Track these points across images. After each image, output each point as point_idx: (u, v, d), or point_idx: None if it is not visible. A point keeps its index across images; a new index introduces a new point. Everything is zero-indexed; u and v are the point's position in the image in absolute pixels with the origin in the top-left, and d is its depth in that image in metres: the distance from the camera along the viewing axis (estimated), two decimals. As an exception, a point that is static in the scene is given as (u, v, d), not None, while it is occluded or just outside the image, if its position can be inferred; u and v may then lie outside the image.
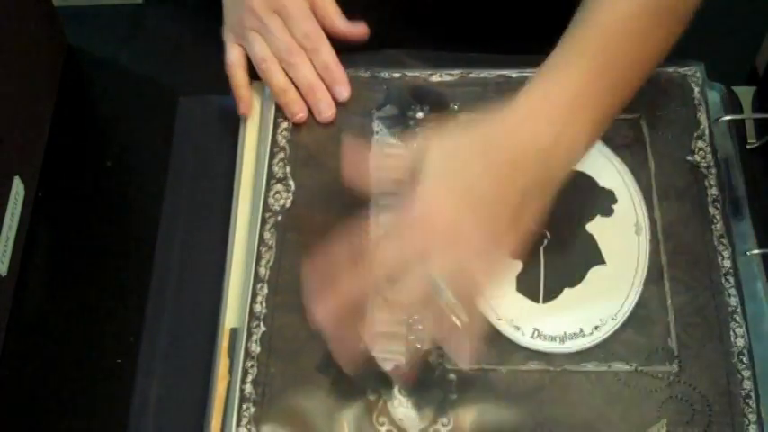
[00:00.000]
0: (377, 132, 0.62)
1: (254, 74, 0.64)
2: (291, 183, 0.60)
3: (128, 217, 0.64)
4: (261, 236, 0.58)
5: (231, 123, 0.64)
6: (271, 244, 0.58)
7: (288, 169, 0.61)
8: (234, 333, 0.56)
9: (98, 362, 0.58)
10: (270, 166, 0.61)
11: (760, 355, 0.55)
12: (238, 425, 0.52)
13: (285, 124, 0.63)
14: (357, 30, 0.64)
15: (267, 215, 0.59)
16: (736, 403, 0.53)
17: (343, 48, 0.64)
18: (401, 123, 0.62)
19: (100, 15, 0.74)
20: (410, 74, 0.65)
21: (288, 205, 0.60)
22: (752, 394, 0.53)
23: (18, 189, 0.61)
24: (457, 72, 0.64)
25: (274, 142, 0.62)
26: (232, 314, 0.57)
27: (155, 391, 0.56)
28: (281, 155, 0.61)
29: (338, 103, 0.63)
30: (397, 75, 0.65)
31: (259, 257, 0.57)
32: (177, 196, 0.63)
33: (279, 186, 0.60)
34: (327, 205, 0.59)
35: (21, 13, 0.63)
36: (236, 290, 0.57)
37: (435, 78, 0.64)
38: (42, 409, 0.57)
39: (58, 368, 0.58)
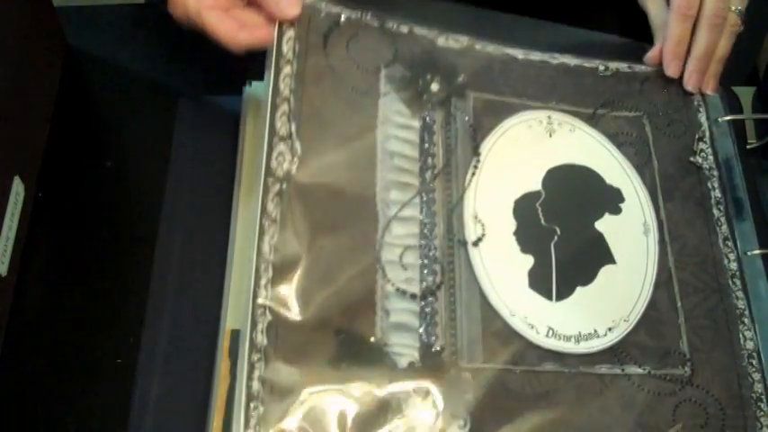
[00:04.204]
0: (384, 94, 0.58)
1: (251, 76, 0.64)
2: (297, 145, 0.54)
3: (128, 217, 0.64)
4: (263, 205, 0.52)
5: (231, 123, 0.64)
6: (275, 216, 0.53)
7: (293, 127, 0.55)
8: (235, 334, 0.55)
9: (98, 362, 0.58)
10: (272, 119, 0.54)
11: (769, 356, 0.55)
12: (246, 426, 0.49)
13: (288, 69, 0.56)
14: None
15: (270, 180, 0.53)
16: (748, 407, 0.53)
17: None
18: (411, 88, 0.59)
19: (100, 15, 0.74)
20: (418, 31, 0.61)
21: (293, 171, 0.54)
22: (763, 397, 0.53)
23: (18, 189, 0.61)
24: (464, 39, 0.62)
25: (276, 90, 0.55)
26: (233, 315, 0.56)
27: (155, 391, 0.56)
28: (285, 107, 0.55)
29: (348, 53, 0.58)
30: (405, 30, 0.60)
31: (262, 232, 0.52)
32: (177, 196, 0.63)
33: (282, 146, 0.54)
34: (336, 174, 0.55)
35: (21, 13, 0.63)
36: (238, 290, 0.57)
37: (441, 42, 0.61)
38: (42, 409, 0.56)
39: (58, 368, 0.58)
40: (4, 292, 0.59)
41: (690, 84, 0.63)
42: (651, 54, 0.65)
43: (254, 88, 0.64)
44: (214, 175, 0.63)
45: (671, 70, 0.63)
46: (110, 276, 0.61)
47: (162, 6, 0.60)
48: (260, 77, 0.63)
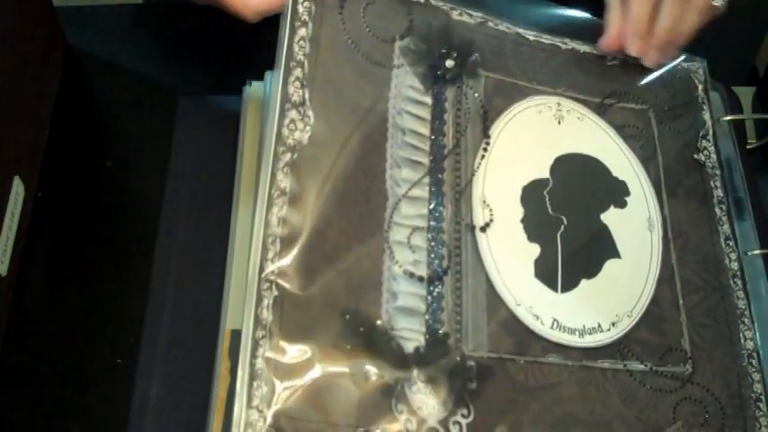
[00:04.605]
0: (398, 66, 0.57)
1: (251, 76, 0.64)
2: (310, 113, 0.52)
3: (128, 217, 0.64)
4: (273, 175, 0.50)
5: (231, 123, 0.64)
6: (284, 187, 0.50)
7: (306, 94, 0.52)
8: (235, 334, 0.55)
9: (98, 362, 0.58)
10: (285, 84, 0.52)
11: (768, 355, 0.55)
12: (249, 406, 0.46)
13: (302, 31, 0.54)
14: None
15: (281, 150, 0.51)
16: (747, 407, 0.53)
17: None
18: (425, 62, 0.57)
19: (100, 15, 0.74)
20: (434, 2, 0.59)
21: (305, 141, 0.52)
22: (762, 397, 0.53)
23: (18, 189, 0.61)
24: (478, 15, 0.61)
25: (290, 53, 0.53)
26: (233, 315, 0.56)
27: (155, 391, 0.56)
28: (298, 72, 0.53)
29: (364, 19, 0.57)
30: None
31: (270, 204, 0.49)
32: (177, 196, 0.63)
33: (294, 114, 0.52)
34: (348, 147, 0.53)
35: (21, 13, 0.63)
36: (238, 290, 0.57)
37: (456, 16, 0.60)
38: (42, 409, 0.56)
39: (57, 368, 0.58)
40: (4, 292, 0.59)
41: (649, 60, 0.61)
42: (607, 39, 0.62)
43: (254, 88, 0.65)
44: (214, 175, 0.63)
45: (633, 49, 0.61)
46: (110, 276, 0.61)
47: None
48: (260, 77, 0.63)
